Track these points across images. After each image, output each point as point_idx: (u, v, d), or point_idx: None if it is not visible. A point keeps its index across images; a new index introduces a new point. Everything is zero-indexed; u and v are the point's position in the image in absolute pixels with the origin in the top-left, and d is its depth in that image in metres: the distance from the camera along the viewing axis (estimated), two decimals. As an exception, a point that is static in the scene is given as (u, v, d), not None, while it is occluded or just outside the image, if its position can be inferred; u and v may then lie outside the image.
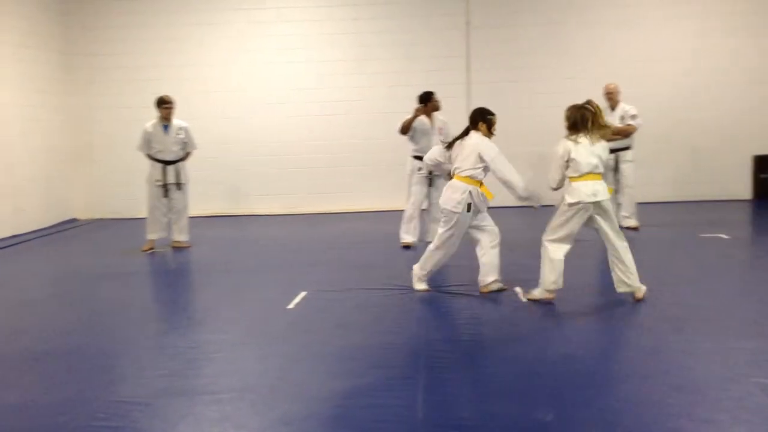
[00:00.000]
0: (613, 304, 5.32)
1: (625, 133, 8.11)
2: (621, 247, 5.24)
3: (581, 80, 10.46)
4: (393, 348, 4.45)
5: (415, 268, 5.95)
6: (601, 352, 4.41)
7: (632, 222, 8.31)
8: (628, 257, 5.26)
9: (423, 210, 7.96)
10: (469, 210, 5.53)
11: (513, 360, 4.18)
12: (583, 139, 5.21)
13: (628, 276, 5.25)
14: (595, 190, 5.17)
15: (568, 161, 5.21)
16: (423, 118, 7.75)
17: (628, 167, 8.32)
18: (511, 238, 8.29)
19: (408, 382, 3.84)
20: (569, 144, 5.22)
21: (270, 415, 3.49)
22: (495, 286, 5.70)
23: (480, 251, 5.73)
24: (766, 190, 10.89)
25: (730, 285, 5.85)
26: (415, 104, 7.82)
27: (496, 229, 5.73)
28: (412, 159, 7.88)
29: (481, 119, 5.68)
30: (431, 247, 5.84)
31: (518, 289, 5.68)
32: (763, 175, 10.93)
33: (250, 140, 11.30)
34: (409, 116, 7.74)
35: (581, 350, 4.38)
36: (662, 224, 8.82)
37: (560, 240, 5.28)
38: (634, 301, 5.26)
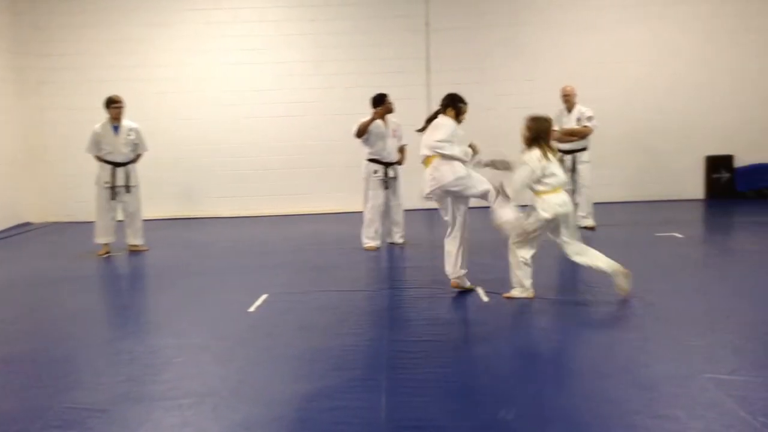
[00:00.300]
0: (573, 303, 5.41)
1: (582, 134, 8.27)
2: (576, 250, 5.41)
3: (540, 82, 10.62)
4: (355, 349, 4.44)
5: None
6: (560, 351, 4.47)
7: (589, 222, 8.44)
8: (583, 258, 5.38)
9: (383, 212, 7.96)
10: None
11: (474, 359, 4.21)
12: (549, 153, 5.29)
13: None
14: (564, 200, 5.33)
15: (541, 176, 5.27)
16: (378, 121, 7.74)
17: (585, 168, 8.45)
18: (471, 239, 8.37)
19: (370, 383, 3.84)
20: (542, 158, 5.29)
21: (232, 419, 3.45)
22: (467, 284, 5.74)
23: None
24: (717, 190, 11.18)
25: (685, 283, 5.98)
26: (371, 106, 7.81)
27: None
28: (368, 162, 7.86)
29: (452, 105, 5.67)
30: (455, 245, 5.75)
31: (480, 290, 5.72)
32: (715, 175, 11.22)
33: (207, 142, 11.18)
34: (365, 119, 7.72)
35: (541, 349, 4.44)
36: (619, 224, 8.99)
37: (529, 245, 5.43)
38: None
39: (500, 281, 5.70)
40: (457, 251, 5.71)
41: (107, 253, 8.07)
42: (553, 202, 5.27)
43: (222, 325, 5.12)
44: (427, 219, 10.23)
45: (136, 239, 8.23)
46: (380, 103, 7.74)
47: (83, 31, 11.04)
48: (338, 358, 4.28)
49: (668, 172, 11.20)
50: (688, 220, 9.55)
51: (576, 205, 8.32)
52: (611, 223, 8.87)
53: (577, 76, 9.75)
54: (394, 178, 7.92)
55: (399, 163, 7.97)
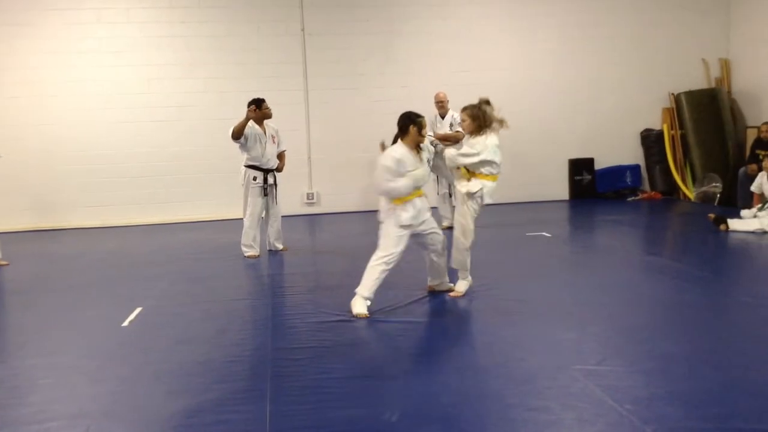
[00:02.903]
0: (450, 304, 5.56)
1: (454, 139, 8.52)
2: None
3: (414, 88, 10.84)
4: (238, 360, 4.35)
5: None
6: (438, 349, 4.57)
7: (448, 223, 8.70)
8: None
9: (262, 219, 7.86)
10: None
11: (358, 363, 4.23)
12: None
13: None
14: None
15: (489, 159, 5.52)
16: (255, 127, 7.62)
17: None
18: (351, 244, 8.43)
19: (255, 393, 3.78)
20: (493, 142, 5.55)
21: (107, 441, 3.29)
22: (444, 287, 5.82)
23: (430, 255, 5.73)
24: (580, 191, 11.87)
25: (554, 279, 6.31)
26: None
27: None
28: (246, 169, 7.73)
29: (411, 122, 5.43)
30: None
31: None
32: (577, 177, 11.91)
33: (70, 149, 10.53)
34: (241, 120, 7.57)
35: (419, 348, 4.54)
36: (492, 224, 9.32)
37: (472, 234, 5.64)
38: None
39: (380, 286, 5.75)
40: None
41: (-39, 269, 7.46)
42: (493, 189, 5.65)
43: (93, 342, 4.85)
44: (307, 225, 10.21)
45: (-8, 253, 7.66)
46: (257, 106, 7.62)
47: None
48: (220, 370, 4.18)
49: (535, 174, 11.76)
50: (555, 219, 10.07)
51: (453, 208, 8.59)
52: (483, 224, 9.17)
53: (449, 84, 10.06)
54: (274, 184, 7.82)
55: (278, 169, 7.89)
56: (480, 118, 5.62)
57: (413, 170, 5.34)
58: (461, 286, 5.74)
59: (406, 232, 5.36)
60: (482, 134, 5.61)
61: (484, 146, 5.56)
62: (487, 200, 5.63)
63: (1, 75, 10.28)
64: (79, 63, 10.53)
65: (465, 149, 5.67)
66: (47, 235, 10.00)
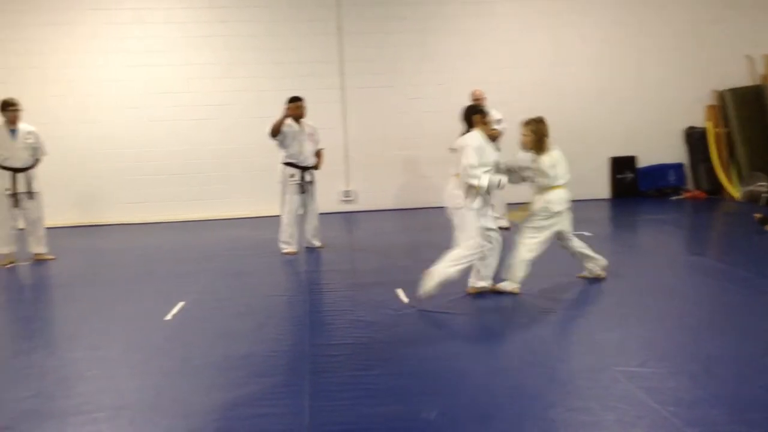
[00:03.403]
0: (489, 302, 5.53)
1: (492, 136, 8.44)
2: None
3: (450, 86, 10.80)
4: (277, 355, 4.40)
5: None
6: (478, 349, 4.56)
7: (504, 222, 8.65)
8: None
9: (299, 216, 7.92)
10: None
11: (395, 361, 4.23)
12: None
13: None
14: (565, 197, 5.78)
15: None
16: (293, 124, 7.69)
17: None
18: (387, 241, 8.45)
19: (293, 389, 3.81)
20: (558, 156, 5.71)
21: (150, 432, 3.35)
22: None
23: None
24: (622, 190, 11.69)
25: (595, 279, 6.21)
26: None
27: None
28: (284, 166, 7.80)
29: (473, 112, 5.65)
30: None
31: (399, 291, 5.76)
32: (619, 176, 11.73)
33: (113, 146, 10.75)
34: (278, 118, 7.64)
35: (460, 348, 4.52)
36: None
37: (536, 241, 5.68)
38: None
39: (418, 283, 5.75)
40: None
41: (11, 263, 7.66)
42: (562, 197, 5.76)
43: (137, 336, 4.95)
44: (344, 222, 10.25)
45: (39, 248, 7.85)
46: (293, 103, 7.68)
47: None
48: (259, 364, 4.23)
49: (575, 173, 11.56)
50: (596, 218, 9.94)
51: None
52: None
53: (485, 81, 9.98)
54: (311, 182, 7.87)
55: (315, 167, 7.94)
56: (539, 133, 5.70)
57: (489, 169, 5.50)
58: (506, 285, 5.75)
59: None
60: (542, 150, 5.71)
61: (553, 161, 5.74)
62: (555, 208, 5.75)
63: (43, 74, 10.53)
64: (120, 62, 10.74)
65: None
66: (90, 231, 10.22)
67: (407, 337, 4.73)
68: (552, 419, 3.35)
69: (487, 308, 5.42)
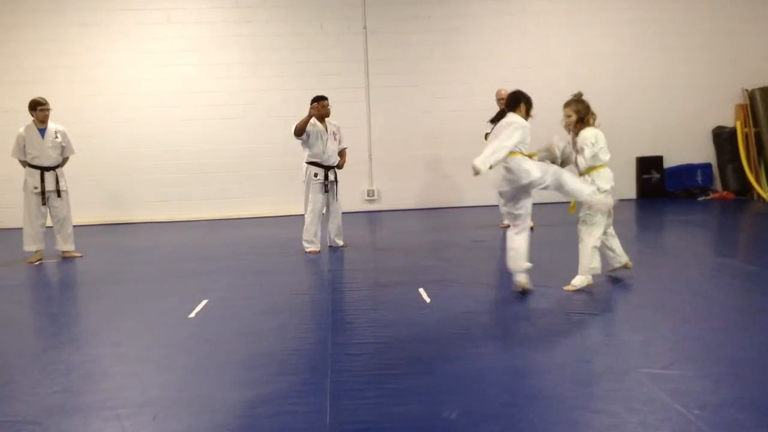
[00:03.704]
0: (512, 301, 5.50)
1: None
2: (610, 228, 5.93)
3: (475, 85, 10.79)
4: (299, 353, 4.41)
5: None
6: (501, 349, 4.53)
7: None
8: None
9: (323, 215, 7.94)
10: None
11: (417, 360, 4.22)
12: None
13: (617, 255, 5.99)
14: (611, 176, 5.71)
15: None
16: (317, 124, 7.71)
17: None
18: (410, 241, 8.44)
19: (315, 387, 3.82)
20: (599, 132, 5.61)
21: (173, 429, 3.37)
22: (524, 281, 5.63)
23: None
24: (648, 190, 11.56)
25: (620, 279, 6.15)
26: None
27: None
28: (307, 165, 7.82)
29: (523, 100, 5.66)
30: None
31: (422, 290, 5.76)
32: (645, 176, 11.61)
33: (138, 145, 10.95)
34: (303, 117, 7.67)
35: (482, 348, 4.49)
36: (556, 223, 9.17)
37: (598, 225, 5.69)
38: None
39: (440, 283, 5.75)
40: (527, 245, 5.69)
41: (39, 260, 7.80)
42: (609, 176, 5.68)
43: (161, 333, 5.00)
44: (367, 221, 10.26)
45: (67, 245, 7.98)
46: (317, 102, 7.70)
47: (9, 31, 10.64)
48: (282, 362, 4.24)
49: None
50: (622, 218, 9.78)
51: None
52: (548, 223, 9.06)
53: (509, 80, 9.87)
54: (334, 181, 7.89)
55: (339, 166, 7.95)
56: (582, 112, 5.70)
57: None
58: (577, 280, 5.72)
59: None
60: (585, 127, 5.68)
61: (596, 139, 5.65)
62: (605, 186, 5.67)
63: (74, 74, 10.71)
64: (149, 62, 10.88)
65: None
66: (118, 229, 10.36)
67: (429, 337, 4.72)
68: (575, 421, 3.31)
69: (510, 308, 5.39)
